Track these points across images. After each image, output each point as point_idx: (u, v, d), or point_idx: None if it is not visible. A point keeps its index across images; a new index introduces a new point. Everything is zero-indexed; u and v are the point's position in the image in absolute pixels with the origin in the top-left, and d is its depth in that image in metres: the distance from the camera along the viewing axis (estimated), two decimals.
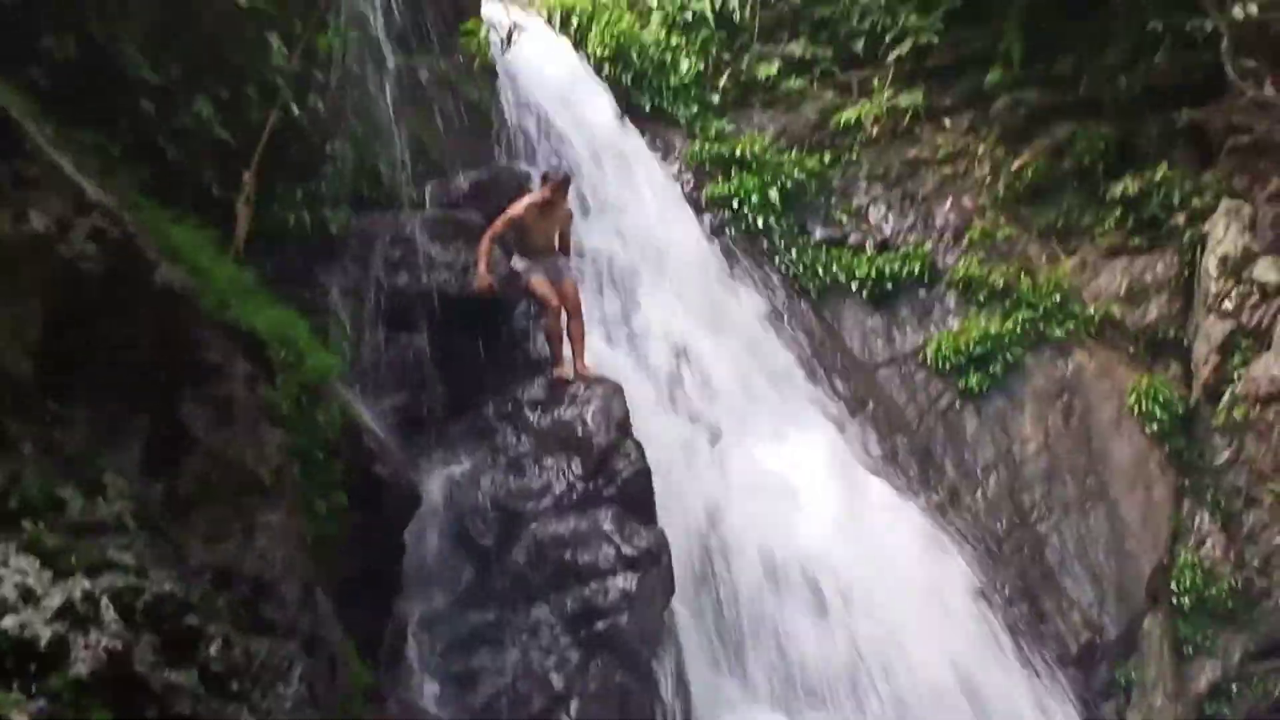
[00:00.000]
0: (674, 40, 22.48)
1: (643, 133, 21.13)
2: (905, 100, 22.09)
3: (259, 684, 8.22)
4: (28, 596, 6.79)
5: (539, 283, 14.93)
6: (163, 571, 7.95)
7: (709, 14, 22.70)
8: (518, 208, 15.05)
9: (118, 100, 10.33)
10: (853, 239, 21.15)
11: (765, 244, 20.72)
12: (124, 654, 7.03)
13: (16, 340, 7.66)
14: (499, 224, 14.93)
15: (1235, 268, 19.05)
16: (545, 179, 15.40)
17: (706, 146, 21.51)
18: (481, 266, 14.49)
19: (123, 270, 8.44)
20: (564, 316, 14.96)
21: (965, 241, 20.93)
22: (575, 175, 17.38)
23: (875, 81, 22.54)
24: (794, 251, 20.80)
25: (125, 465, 8.51)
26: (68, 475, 7.90)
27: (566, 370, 14.73)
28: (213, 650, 7.91)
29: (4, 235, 7.58)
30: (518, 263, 15.05)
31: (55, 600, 6.85)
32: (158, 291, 8.76)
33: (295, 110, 12.44)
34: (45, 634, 6.67)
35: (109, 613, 7.13)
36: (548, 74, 20.12)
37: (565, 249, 15.56)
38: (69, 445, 8.04)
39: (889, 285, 20.58)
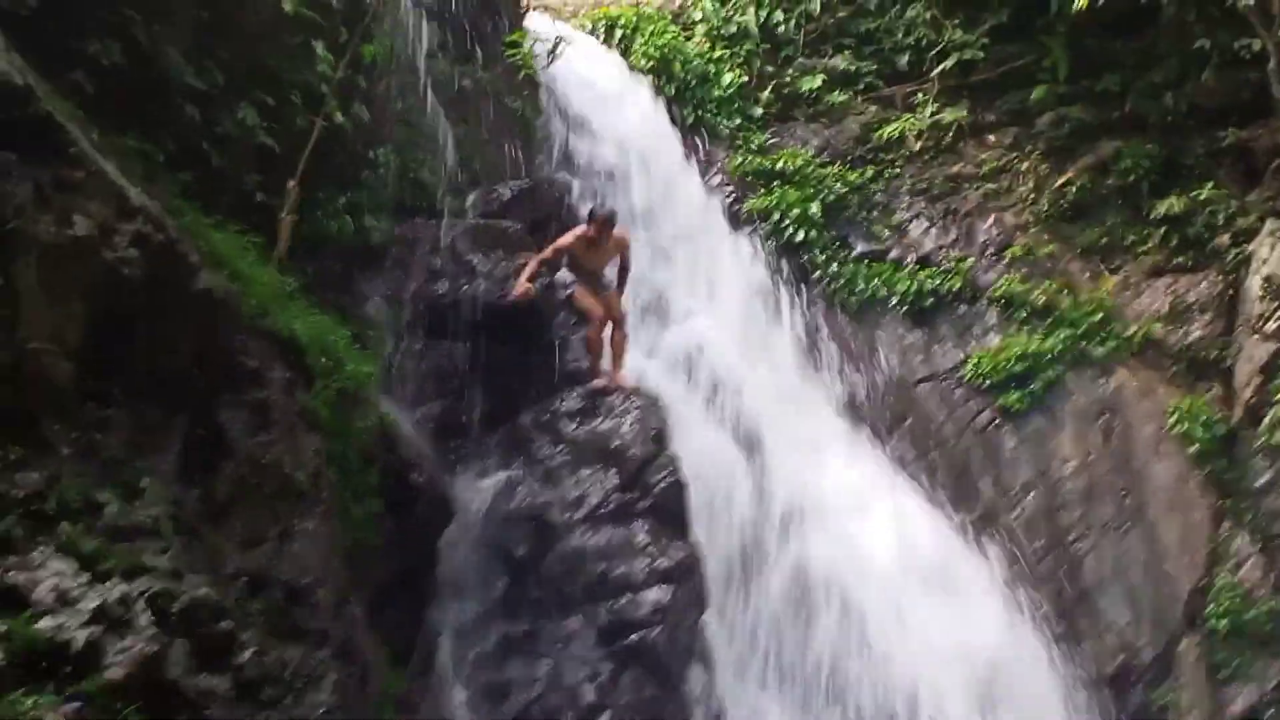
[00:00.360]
0: (717, 52, 22.47)
1: (685, 144, 21.07)
2: (949, 115, 22.03)
3: (291, 691, 8.25)
4: (64, 599, 6.83)
5: (582, 294, 14.96)
6: (198, 576, 7.99)
7: (753, 26, 22.68)
8: (567, 238, 15.08)
9: (162, 106, 10.38)
10: (893, 254, 21.07)
11: (805, 257, 20.66)
12: (158, 658, 7.06)
13: (58, 343, 7.71)
14: (548, 251, 14.95)
15: (1279, 289, 18.90)
16: (591, 215, 15.35)
17: (748, 159, 21.48)
18: (523, 277, 14.47)
19: (164, 275, 8.48)
20: (607, 328, 14.97)
21: (1007, 258, 20.82)
22: (616, 188, 17.41)
23: (919, 96, 22.49)
24: (834, 265, 20.73)
25: (163, 469, 8.55)
26: (105, 478, 7.94)
27: (604, 380, 14.73)
28: (246, 656, 7.94)
29: (48, 239, 7.63)
30: (564, 275, 15.07)
31: (91, 603, 6.89)
32: (198, 296, 8.81)
33: (339, 118, 12.49)
34: (80, 637, 6.70)
35: (144, 617, 7.16)
36: (591, 85, 20.11)
37: (624, 273, 15.56)
38: (107, 448, 8.08)
39: (929, 301, 20.49)
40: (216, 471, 9.02)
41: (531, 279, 14.46)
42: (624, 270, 15.51)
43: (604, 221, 15.14)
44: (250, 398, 9.42)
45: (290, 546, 9.24)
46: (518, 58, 17.70)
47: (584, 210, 16.70)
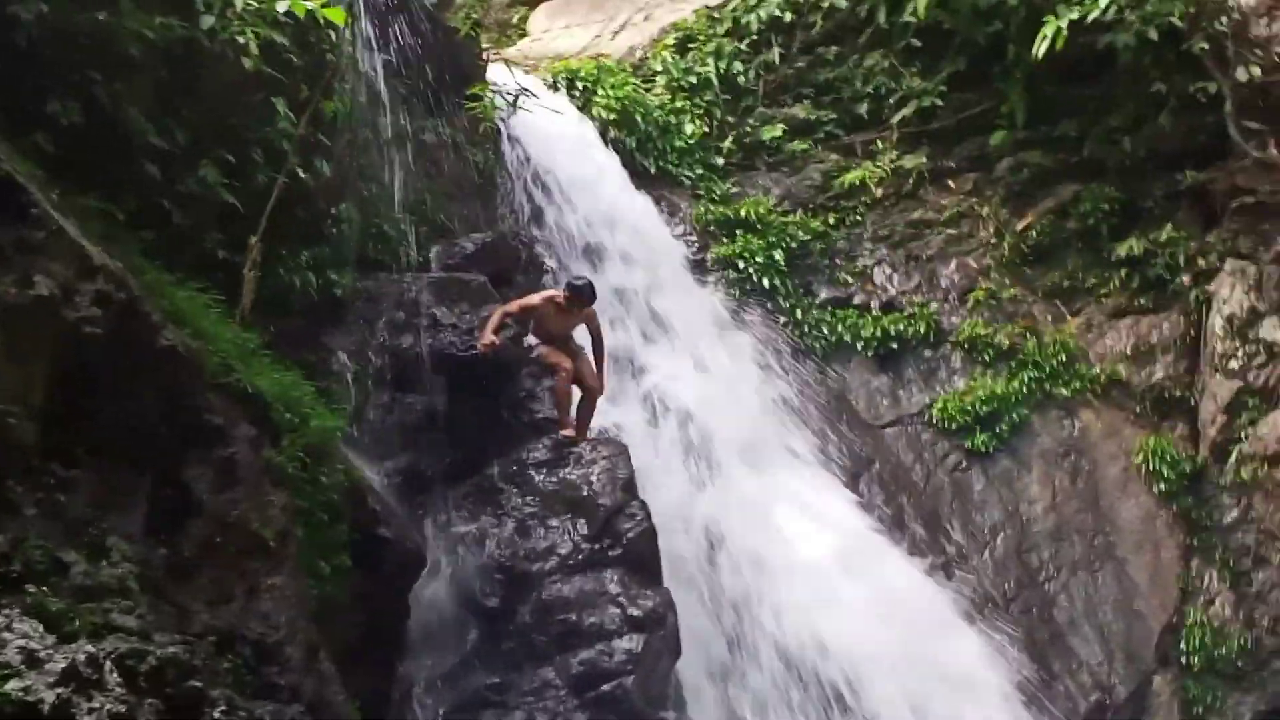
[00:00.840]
0: (678, 103, 22.56)
1: (648, 195, 21.13)
2: (909, 162, 22.17)
3: None
4: (31, 660, 6.77)
5: (548, 351, 14.95)
6: (166, 635, 7.93)
7: (713, 77, 22.78)
8: (535, 298, 15.17)
9: (123, 165, 10.38)
10: (858, 299, 21.17)
11: (770, 304, 20.72)
12: (127, 718, 7.00)
13: (20, 403, 7.68)
14: (514, 306, 14.95)
15: (1241, 327, 19.11)
16: (569, 286, 15.44)
17: (711, 208, 21.55)
18: (488, 329, 14.47)
19: (127, 334, 8.46)
20: (574, 389, 14.95)
21: (970, 302, 20.97)
22: (578, 239, 17.57)
23: (879, 144, 22.61)
24: (799, 312, 20.80)
25: (129, 528, 8.52)
26: (71, 538, 7.90)
27: (572, 430, 14.72)
28: (216, 714, 7.85)
29: (9, 299, 7.61)
30: (530, 339, 15.07)
31: (59, 664, 6.83)
32: (161, 354, 8.78)
33: (301, 174, 12.50)
34: (49, 698, 6.64)
35: (113, 676, 7.10)
36: (553, 137, 20.16)
37: (599, 345, 15.59)
38: (72, 508, 8.04)
39: (894, 345, 20.60)
40: (183, 530, 8.98)
41: (496, 331, 14.45)
42: (598, 342, 15.53)
43: (579, 292, 15.21)
44: (216, 455, 9.39)
45: (258, 603, 9.20)
46: (479, 110, 17.76)
47: (548, 262, 16.83)
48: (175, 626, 8.28)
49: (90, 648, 7.05)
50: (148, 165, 10.58)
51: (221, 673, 8.32)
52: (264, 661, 8.96)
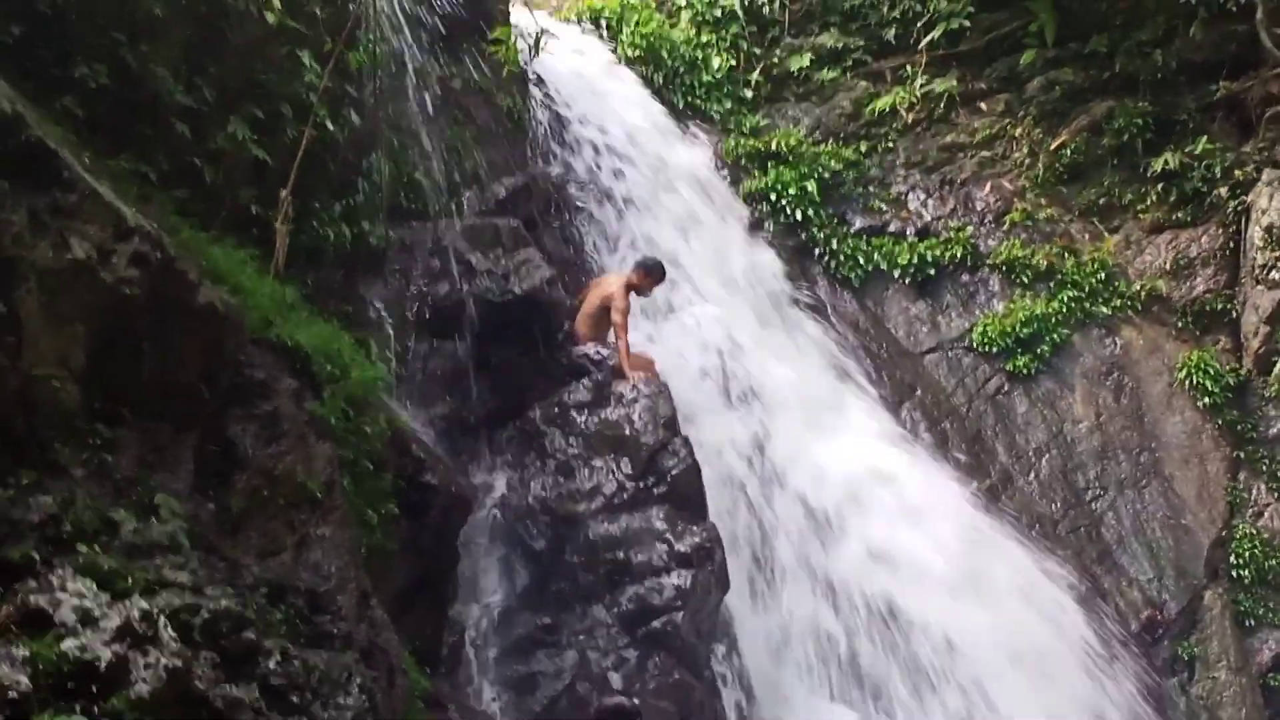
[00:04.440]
0: (704, 37, 22.50)
1: (678, 129, 21.10)
2: (939, 86, 22.06)
3: (319, 696, 8.27)
4: (86, 619, 6.86)
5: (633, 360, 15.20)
6: (218, 588, 8.01)
7: (738, 9, 22.71)
8: (621, 292, 15.52)
9: (153, 125, 10.40)
10: (893, 227, 21.14)
11: (805, 236, 20.68)
12: (184, 672, 7.08)
13: (63, 366, 7.74)
14: (619, 318, 15.24)
15: None
16: (643, 267, 15.95)
17: (741, 142, 21.51)
18: (626, 366, 14.89)
19: (165, 293, 8.50)
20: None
21: (1006, 224, 20.90)
22: (610, 176, 17.64)
23: (908, 69, 22.52)
24: (834, 242, 20.78)
25: (176, 485, 8.58)
26: (119, 498, 7.97)
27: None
28: (271, 664, 7.96)
29: (46, 263, 7.65)
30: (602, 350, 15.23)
31: (114, 621, 6.91)
32: (201, 312, 8.82)
33: (330, 126, 12.49)
34: (105, 655, 6.73)
35: (167, 631, 7.18)
36: (579, 77, 20.11)
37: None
38: (120, 468, 8.11)
39: (931, 271, 20.57)
40: (230, 485, 9.05)
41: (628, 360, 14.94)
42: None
43: (651, 270, 15.85)
44: (259, 410, 9.45)
45: (308, 554, 9.27)
46: (502, 55, 17.70)
47: (579, 200, 16.87)
48: (227, 580, 8.36)
49: (144, 604, 7.13)
50: (177, 124, 10.59)
51: (275, 623, 8.41)
52: (316, 611, 9.03)
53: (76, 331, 7.90)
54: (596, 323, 15.43)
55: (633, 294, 15.61)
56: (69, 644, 6.65)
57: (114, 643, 6.81)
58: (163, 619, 7.22)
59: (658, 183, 19.36)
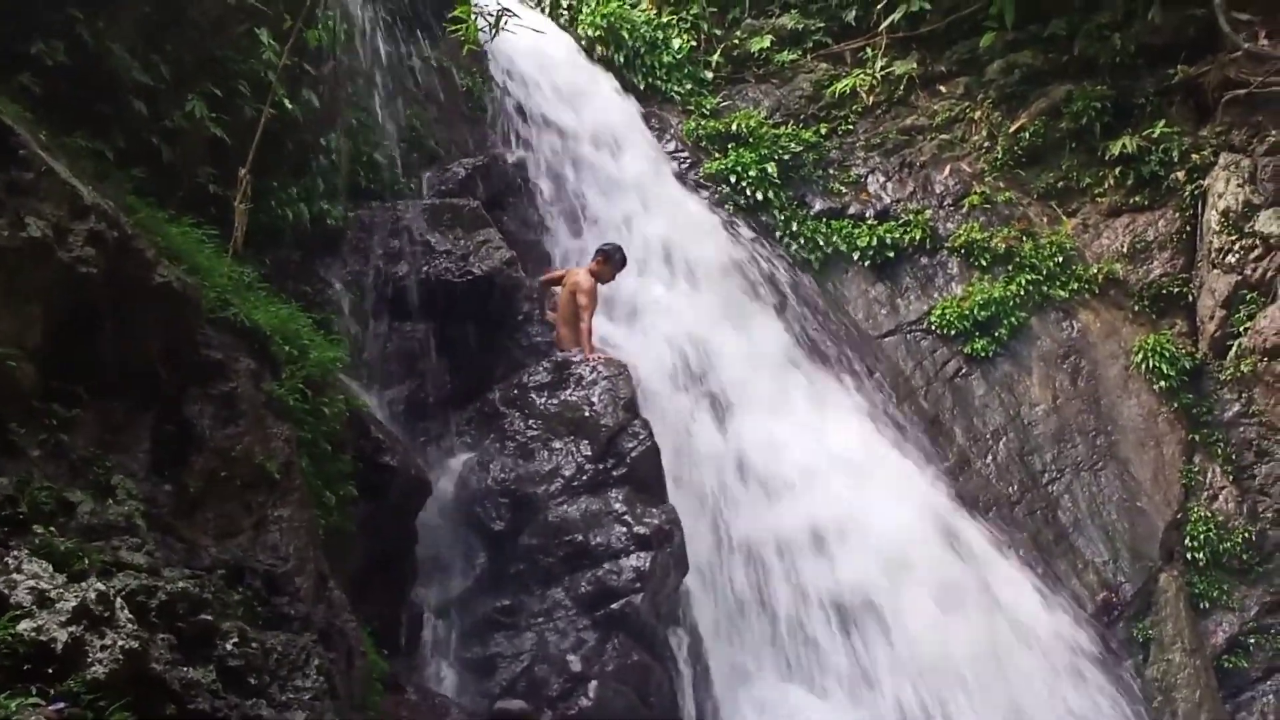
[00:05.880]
0: (664, 18, 22.49)
1: (638, 110, 21.10)
2: (899, 68, 22.09)
3: (276, 678, 8.25)
4: (42, 600, 6.81)
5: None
6: (175, 570, 8.00)
7: None
8: (588, 280, 15.52)
9: (110, 103, 10.32)
10: (852, 209, 21.15)
11: (764, 218, 20.68)
12: (140, 653, 7.04)
13: (18, 345, 7.68)
14: (585, 303, 15.21)
15: (1237, 221, 19.05)
16: (603, 254, 15.98)
17: (701, 123, 21.51)
18: (588, 347, 14.94)
19: (122, 272, 8.45)
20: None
21: (965, 207, 20.94)
22: (570, 156, 17.64)
23: (868, 51, 22.55)
24: (794, 224, 20.78)
25: (133, 466, 8.55)
26: (76, 478, 7.94)
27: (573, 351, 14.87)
28: (229, 646, 7.94)
29: (2, 242, 7.59)
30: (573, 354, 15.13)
31: (70, 603, 6.87)
32: (158, 291, 8.77)
33: (289, 105, 12.42)
34: (61, 636, 6.68)
35: (124, 613, 7.14)
36: (538, 57, 20.05)
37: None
38: (75, 448, 8.07)
39: (890, 254, 20.60)
40: (187, 465, 9.01)
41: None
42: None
43: (611, 257, 15.92)
44: (216, 390, 9.41)
45: (266, 535, 9.25)
46: (462, 33, 17.61)
47: (540, 184, 16.87)
48: (184, 561, 8.34)
49: (100, 585, 7.09)
50: (134, 102, 10.52)
51: (232, 605, 8.38)
52: (274, 592, 9.01)
53: (33, 311, 7.85)
54: (577, 324, 15.32)
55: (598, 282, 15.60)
56: (25, 625, 6.61)
57: (70, 624, 6.77)
58: (119, 600, 7.18)
59: (619, 164, 19.33)
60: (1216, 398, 19.23)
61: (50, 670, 6.58)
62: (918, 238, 20.61)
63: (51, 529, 7.34)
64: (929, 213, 20.90)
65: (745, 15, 22.99)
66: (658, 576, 13.16)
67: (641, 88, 21.66)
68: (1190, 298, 19.80)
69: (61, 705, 6.45)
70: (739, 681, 14.13)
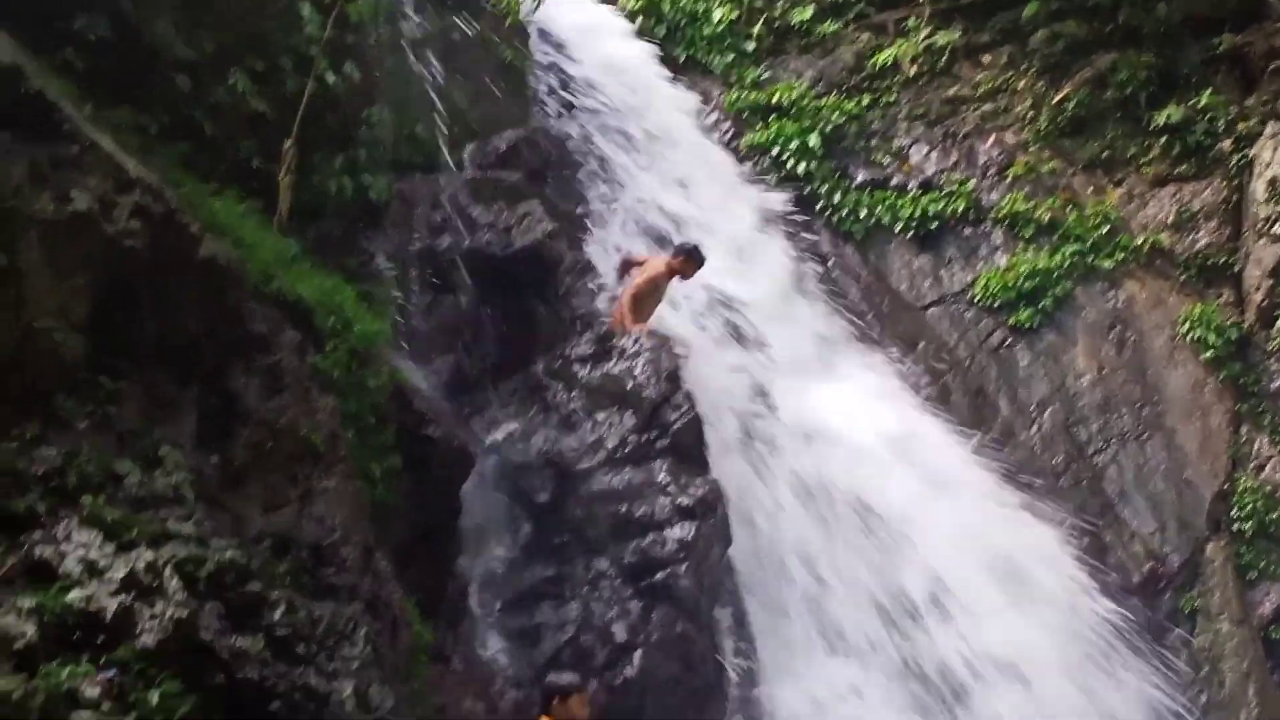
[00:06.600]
0: None
1: (678, 84, 21.02)
2: (942, 38, 21.92)
3: (324, 647, 8.32)
4: (92, 570, 6.90)
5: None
6: (223, 540, 8.07)
7: None
8: (655, 269, 15.44)
9: (153, 78, 10.37)
10: (895, 180, 21.00)
11: (807, 189, 20.59)
12: (189, 623, 7.13)
13: (65, 319, 7.75)
14: (643, 280, 15.20)
15: None
16: (682, 251, 15.73)
17: (743, 95, 21.41)
18: (629, 318, 14.82)
19: (167, 246, 8.52)
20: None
21: (1009, 177, 20.77)
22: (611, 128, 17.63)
23: (911, 21, 22.36)
24: (836, 196, 20.66)
25: (180, 438, 8.62)
26: (124, 450, 8.01)
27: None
28: (276, 615, 8.01)
29: (47, 215, 7.67)
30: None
31: (119, 573, 6.95)
32: (203, 265, 8.84)
33: (331, 78, 12.44)
34: (111, 606, 6.77)
35: (173, 583, 7.23)
36: (579, 31, 20.01)
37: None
38: (123, 420, 8.14)
39: (934, 225, 20.45)
40: (233, 437, 9.08)
41: (634, 315, 14.89)
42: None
43: (692, 255, 15.63)
44: (261, 363, 9.48)
45: (312, 507, 9.30)
46: (504, 6, 17.66)
47: (582, 158, 16.90)
48: (232, 532, 8.41)
49: (149, 555, 7.17)
50: (178, 77, 10.56)
51: (280, 575, 8.45)
52: (321, 563, 9.08)
53: (78, 284, 7.91)
54: (643, 304, 15.29)
55: (669, 279, 15.52)
56: (74, 595, 6.70)
57: (120, 594, 6.86)
58: (168, 570, 7.26)
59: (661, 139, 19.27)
60: (1264, 368, 19.08)
61: (100, 639, 6.66)
62: (961, 208, 20.47)
63: (100, 499, 7.42)
64: (972, 183, 20.75)
65: None
66: (701, 547, 13.17)
67: (682, 60, 21.58)
68: (1237, 268, 19.63)
69: (111, 673, 6.53)
70: (786, 653, 14.13)
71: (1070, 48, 21.35)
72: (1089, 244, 19.88)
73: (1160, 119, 20.22)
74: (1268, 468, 18.56)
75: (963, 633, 14.91)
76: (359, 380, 10.69)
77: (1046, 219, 20.12)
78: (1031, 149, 21.04)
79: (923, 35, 22.01)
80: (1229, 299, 19.60)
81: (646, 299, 15.13)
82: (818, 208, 20.57)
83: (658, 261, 15.61)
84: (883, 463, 16.15)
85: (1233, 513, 18.16)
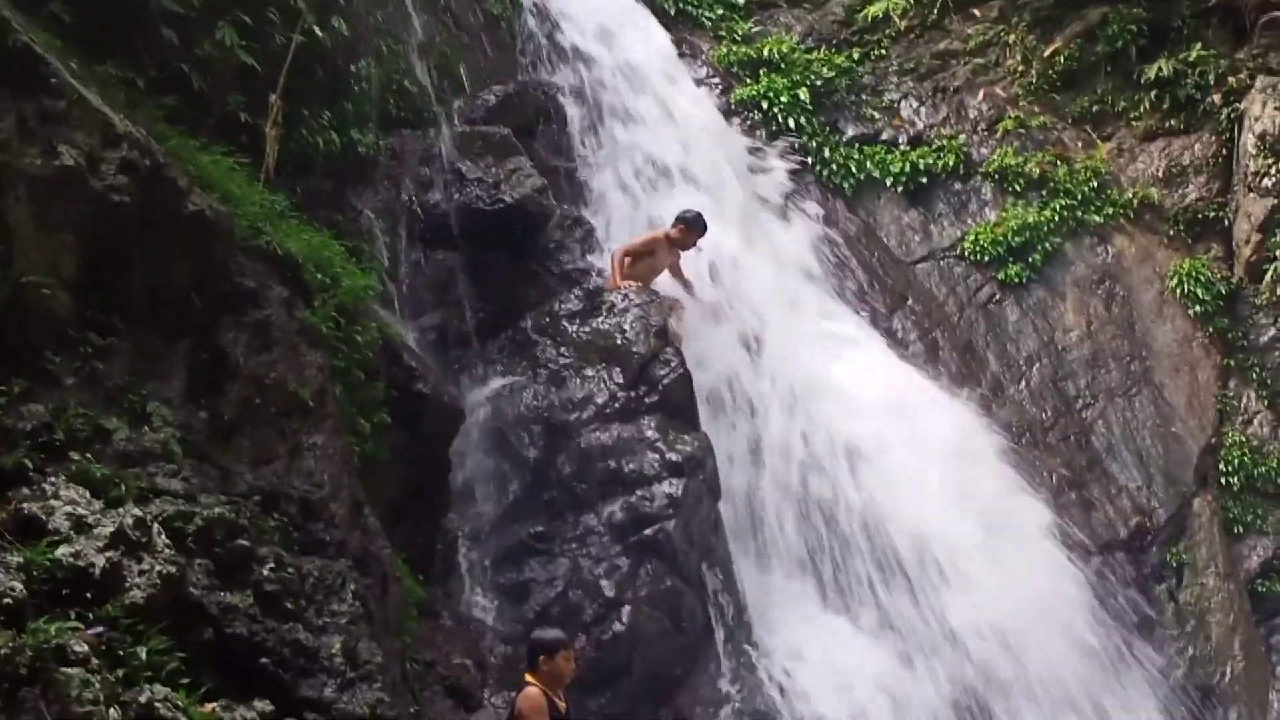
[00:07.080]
0: None
1: (669, 37, 20.88)
2: None
3: (313, 602, 8.35)
4: (80, 526, 6.89)
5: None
6: (211, 496, 8.09)
7: None
8: (650, 237, 15.56)
9: (140, 31, 10.29)
10: (885, 135, 20.96)
11: (796, 144, 20.53)
12: (178, 578, 7.14)
13: (53, 274, 7.74)
14: (637, 243, 15.33)
15: (1274, 144, 18.87)
16: (682, 220, 15.64)
17: (733, 49, 21.30)
18: (616, 276, 14.82)
19: (155, 200, 8.49)
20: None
21: (999, 132, 20.75)
22: (598, 81, 17.51)
23: None
24: (826, 150, 20.60)
25: (168, 394, 8.62)
26: (111, 406, 8.01)
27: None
28: (265, 571, 8.05)
29: (35, 170, 7.64)
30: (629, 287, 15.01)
31: (107, 529, 6.95)
32: (191, 220, 8.81)
33: (318, 32, 12.37)
34: (99, 562, 6.77)
35: (161, 538, 7.24)
36: None
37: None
38: (111, 376, 8.14)
39: (924, 180, 20.42)
40: (221, 393, 9.08)
41: (622, 274, 14.88)
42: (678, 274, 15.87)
43: (692, 224, 15.61)
44: (250, 318, 9.47)
45: (301, 462, 9.32)
46: None
47: (570, 111, 16.79)
48: (220, 488, 8.42)
49: (138, 511, 7.17)
50: (164, 30, 10.48)
51: (268, 531, 8.47)
52: (310, 518, 9.09)
53: (66, 239, 7.90)
54: (635, 264, 15.28)
55: (669, 248, 15.56)
56: (63, 551, 6.70)
57: (108, 550, 6.86)
58: (156, 526, 7.27)
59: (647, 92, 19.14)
60: (1252, 322, 19.14)
61: (88, 595, 6.67)
62: (951, 163, 20.43)
63: (88, 455, 7.42)
64: (962, 138, 20.72)
65: None
66: (690, 503, 13.20)
67: (672, 13, 21.46)
68: (1226, 222, 19.64)
69: (100, 629, 6.53)
70: (774, 608, 14.17)
71: (1061, 2, 21.27)
72: (1078, 198, 19.89)
73: (1150, 73, 20.20)
74: (1255, 422, 18.64)
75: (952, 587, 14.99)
76: (347, 335, 10.68)
77: (1036, 174, 20.12)
78: (1022, 103, 21.03)
79: None
80: (1218, 253, 19.63)
81: (639, 260, 15.12)
82: (807, 162, 20.47)
83: (659, 231, 15.61)
84: (874, 415, 16.14)
85: (1220, 467, 18.25)
